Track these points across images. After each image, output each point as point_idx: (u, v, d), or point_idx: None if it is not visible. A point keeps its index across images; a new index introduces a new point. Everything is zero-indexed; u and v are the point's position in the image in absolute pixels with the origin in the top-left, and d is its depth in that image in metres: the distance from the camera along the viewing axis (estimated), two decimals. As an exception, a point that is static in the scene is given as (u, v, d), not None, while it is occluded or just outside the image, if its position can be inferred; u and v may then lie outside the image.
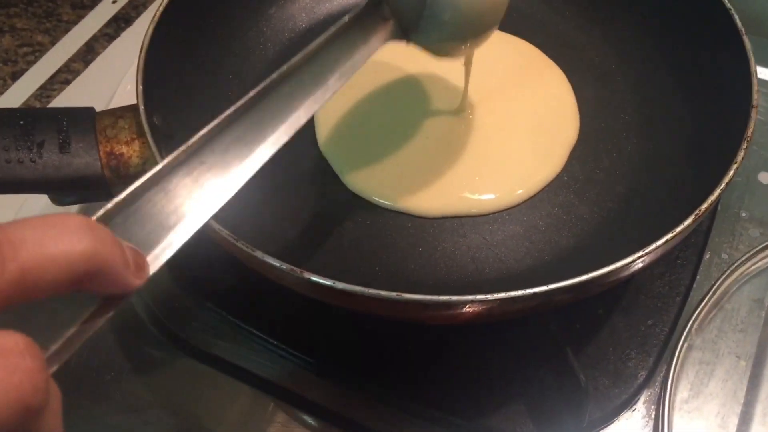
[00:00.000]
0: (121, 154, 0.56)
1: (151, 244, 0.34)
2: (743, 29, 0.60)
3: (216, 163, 0.40)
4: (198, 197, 0.37)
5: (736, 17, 0.61)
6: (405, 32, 0.49)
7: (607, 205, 0.59)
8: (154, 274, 0.33)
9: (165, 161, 0.37)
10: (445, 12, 0.47)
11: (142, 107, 0.56)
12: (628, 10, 0.67)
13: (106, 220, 0.33)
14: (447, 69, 0.65)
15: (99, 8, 1.13)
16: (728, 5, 0.61)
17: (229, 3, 0.70)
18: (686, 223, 0.50)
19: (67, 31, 1.14)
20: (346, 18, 0.47)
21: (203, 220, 0.37)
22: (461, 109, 0.63)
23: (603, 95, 0.65)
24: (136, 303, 0.59)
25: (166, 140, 0.59)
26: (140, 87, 0.57)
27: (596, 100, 0.65)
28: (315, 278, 0.48)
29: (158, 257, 0.34)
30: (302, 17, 0.71)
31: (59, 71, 1.07)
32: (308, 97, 0.46)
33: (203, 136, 0.42)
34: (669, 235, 0.49)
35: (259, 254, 0.49)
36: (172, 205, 0.36)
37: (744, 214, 0.69)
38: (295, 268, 0.48)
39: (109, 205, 0.34)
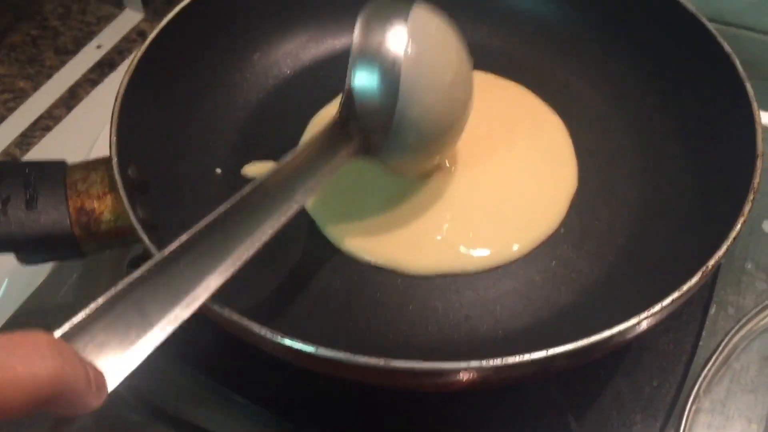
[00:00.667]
0: (92, 210, 0.53)
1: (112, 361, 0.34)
2: (744, 74, 0.57)
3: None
4: (161, 308, 0.38)
5: (737, 62, 0.58)
6: (370, 150, 0.51)
7: (607, 259, 0.56)
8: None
9: (137, 273, 0.38)
10: (410, 131, 0.49)
11: (115, 159, 0.53)
12: (624, 53, 0.64)
13: (74, 333, 0.33)
14: None
15: (83, 53, 1.11)
16: (728, 50, 0.59)
17: (211, 49, 0.67)
18: (693, 281, 0.47)
19: (50, 76, 1.12)
20: (313, 136, 0.49)
21: (167, 332, 0.38)
22: (450, 158, 0.60)
23: (600, 141, 0.62)
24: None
25: (141, 193, 0.56)
26: (114, 138, 0.55)
27: (593, 146, 0.62)
28: (296, 344, 0.44)
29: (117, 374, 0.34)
30: (287, 63, 0.69)
31: (41, 118, 1.05)
32: (273, 216, 0.47)
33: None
34: (675, 294, 0.46)
35: (235, 317, 0.46)
36: (138, 317, 0.36)
37: (749, 266, 0.65)
38: (274, 333, 0.45)
39: (75, 320, 0.34)
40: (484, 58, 0.63)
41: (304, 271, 0.58)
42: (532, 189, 0.59)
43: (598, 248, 0.56)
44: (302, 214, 0.61)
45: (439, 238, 0.57)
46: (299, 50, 0.70)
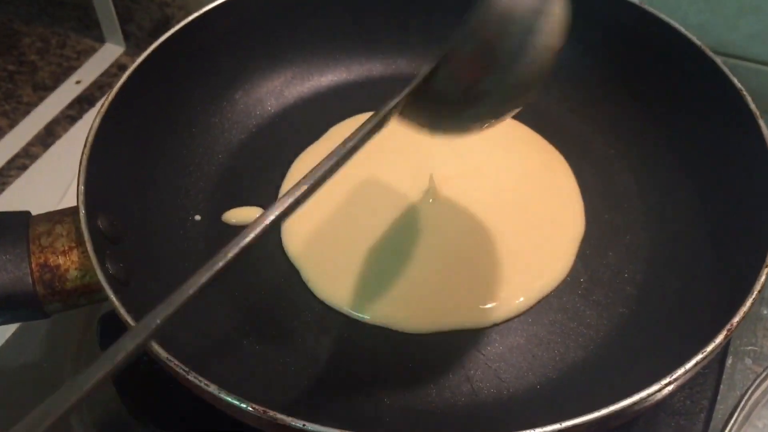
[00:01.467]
0: (57, 266, 0.48)
1: None
2: (757, 111, 0.54)
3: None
4: None
5: (748, 97, 0.55)
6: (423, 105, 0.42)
7: (617, 310, 0.52)
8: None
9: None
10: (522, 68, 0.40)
11: (82, 211, 0.49)
12: (629, 92, 0.61)
13: None
14: (424, 156, 0.60)
15: (61, 89, 1.07)
16: (739, 85, 0.55)
17: (191, 87, 0.64)
18: (717, 341, 0.43)
19: (27, 113, 1.07)
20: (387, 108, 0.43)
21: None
22: (446, 200, 0.56)
23: (605, 183, 0.59)
24: (76, 424, 0.53)
25: (111, 245, 0.52)
26: (81, 188, 0.50)
27: (598, 188, 0.59)
28: (283, 419, 0.40)
29: None
30: (270, 101, 0.65)
31: (17, 156, 1.00)
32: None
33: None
34: (698, 357, 0.42)
35: (213, 389, 0.41)
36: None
37: (765, 311, 0.61)
38: (257, 408, 0.40)
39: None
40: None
41: (289, 329, 0.54)
42: (538, 235, 0.55)
43: (607, 298, 0.52)
44: (287, 267, 0.56)
45: (436, 291, 0.53)
46: (283, 87, 0.67)
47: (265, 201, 0.60)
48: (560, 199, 0.57)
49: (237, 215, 0.58)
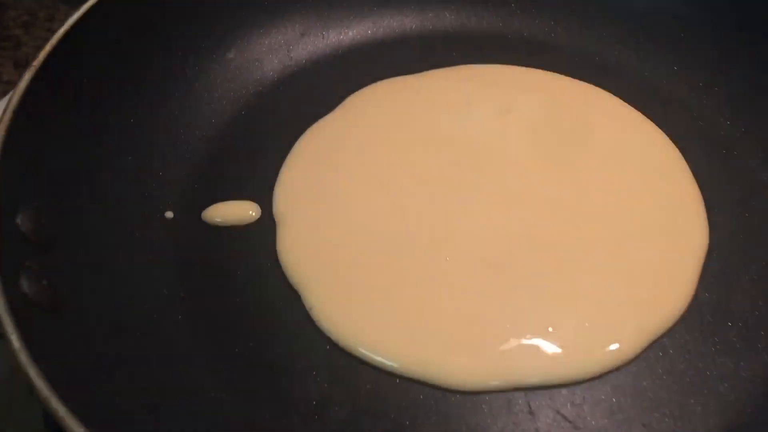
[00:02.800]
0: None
1: None
2: None
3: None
4: None
5: None
6: None
7: (762, 358, 0.35)
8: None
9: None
10: None
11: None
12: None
13: None
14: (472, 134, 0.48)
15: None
16: None
17: (163, 43, 0.50)
18: None
19: (5, 93, 0.93)
20: None
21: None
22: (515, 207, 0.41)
23: (731, 178, 0.46)
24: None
25: (36, 256, 0.37)
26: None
27: (721, 184, 0.46)
28: None
29: None
30: (273, 64, 0.55)
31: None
32: None
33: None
34: None
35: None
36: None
37: None
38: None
39: None
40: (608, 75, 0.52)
41: (289, 374, 0.39)
42: (643, 251, 0.42)
43: (744, 339, 0.40)
44: (286, 292, 0.41)
45: (496, 334, 0.39)
46: (290, 46, 0.54)
47: (261, 193, 0.46)
48: (672, 200, 0.44)
49: (222, 212, 0.45)
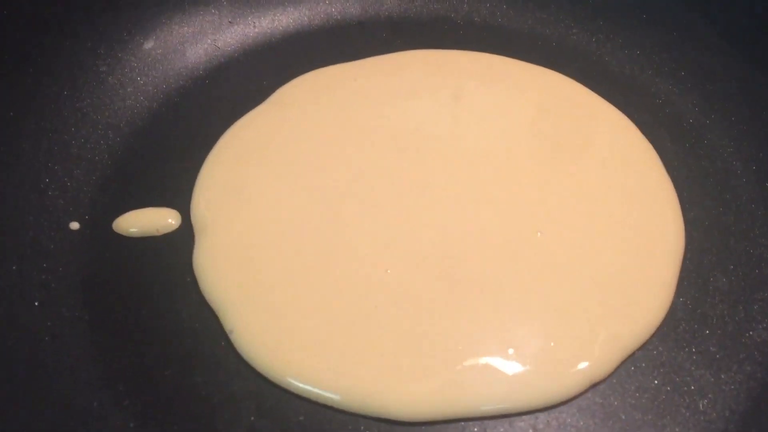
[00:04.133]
0: None
1: None
2: None
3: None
4: None
5: None
6: None
7: (744, 370, 0.32)
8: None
9: None
10: None
11: None
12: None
13: None
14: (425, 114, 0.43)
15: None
16: None
17: (68, 29, 0.44)
18: None
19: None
20: None
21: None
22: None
23: (706, 171, 0.42)
24: None
25: None
26: None
27: (696, 179, 0.42)
28: None
29: None
30: (195, 54, 0.49)
31: None
32: None
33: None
34: None
35: None
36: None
37: None
38: None
39: None
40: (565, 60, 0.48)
41: (210, 408, 0.34)
42: (615, 254, 0.37)
43: (725, 350, 0.35)
44: (200, 310, 0.36)
45: (449, 358, 0.33)
46: (215, 34, 0.49)
47: (181, 199, 0.41)
48: (644, 196, 0.40)
49: (137, 221, 0.40)
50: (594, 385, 0.33)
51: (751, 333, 0.35)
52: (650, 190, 0.39)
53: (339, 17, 0.50)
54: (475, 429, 0.32)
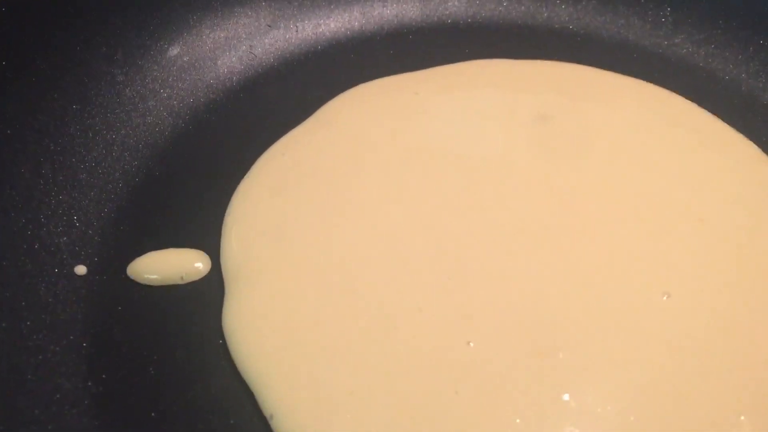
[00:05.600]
0: None
1: None
2: None
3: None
4: None
5: None
6: None
7: None
8: None
9: None
10: None
11: None
12: None
13: None
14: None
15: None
16: None
17: (76, 34, 0.38)
18: None
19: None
20: None
21: None
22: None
23: None
24: None
25: None
26: None
27: None
28: None
29: None
30: (228, 62, 0.42)
31: None
32: None
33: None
34: None
35: None
36: None
37: None
38: None
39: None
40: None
41: None
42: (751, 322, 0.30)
43: None
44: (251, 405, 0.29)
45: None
46: (252, 39, 0.43)
47: (210, 238, 0.34)
48: None
49: (156, 265, 0.33)
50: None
51: None
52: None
53: (395, 21, 0.44)
54: None
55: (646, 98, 0.38)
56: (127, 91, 0.39)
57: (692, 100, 0.39)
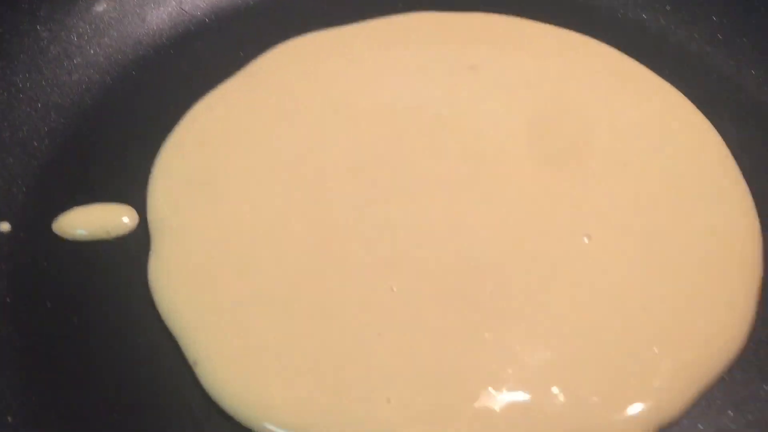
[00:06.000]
0: None
1: None
2: None
3: None
4: None
5: None
6: None
7: None
8: None
9: None
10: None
11: None
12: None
13: None
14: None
15: None
16: None
17: None
18: None
19: None
20: None
21: None
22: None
23: None
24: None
25: None
26: None
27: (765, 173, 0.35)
28: None
29: None
30: (156, 15, 0.40)
31: None
32: None
33: None
34: None
35: None
36: None
37: None
38: None
39: None
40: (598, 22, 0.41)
41: None
42: (686, 274, 0.30)
43: None
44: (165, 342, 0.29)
45: (472, 399, 0.27)
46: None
47: (137, 193, 0.34)
48: (712, 194, 0.33)
49: (83, 220, 0.33)
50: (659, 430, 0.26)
51: None
52: (717, 183, 0.32)
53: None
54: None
55: (573, 47, 0.38)
56: (52, 48, 0.38)
57: (621, 50, 0.39)
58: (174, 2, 0.41)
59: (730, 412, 0.28)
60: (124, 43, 0.40)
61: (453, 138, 0.34)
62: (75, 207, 0.33)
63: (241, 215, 0.31)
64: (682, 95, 0.36)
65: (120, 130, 0.36)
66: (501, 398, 0.26)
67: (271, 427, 0.26)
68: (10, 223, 0.33)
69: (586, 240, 0.30)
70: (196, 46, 0.40)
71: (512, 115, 0.35)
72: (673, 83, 0.37)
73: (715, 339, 0.28)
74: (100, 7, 0.40)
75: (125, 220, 0.33)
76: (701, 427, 0.27)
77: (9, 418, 0.28)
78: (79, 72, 0.38)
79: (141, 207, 0.33)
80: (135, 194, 0.33)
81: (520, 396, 0.26)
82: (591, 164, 0.33)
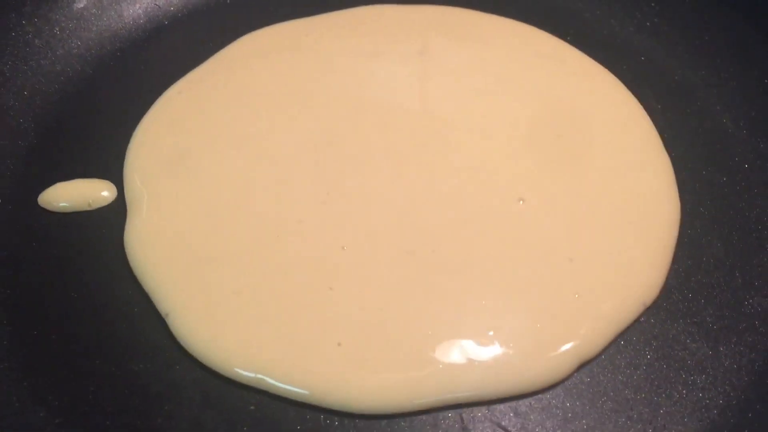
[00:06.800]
0: None
1: None
2: None
3: None
4: None
5: None
6: None
7: (743, 341, 0.29)
8: None
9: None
10: None
11: None
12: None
13: None
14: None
15: None
16: None
17: None
18: None
19: None
20: None
21: None
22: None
23: (697, 135, 0.39)
24: None
25: None
26: None
27: (687, 138, 0.38)
28: None
29: None
30: (132, 6, 0.39)
31: None
32: None
33: None
34: None
35: None
36: None
37: None
38: None
39: None
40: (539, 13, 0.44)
41: (148, 397, 0.30)
42: (609, 231, 0.34)
43: (719, 316, 0.32)
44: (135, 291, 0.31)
45: (418, 343, 0.30)
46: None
47: (116, 168, 0.37)
48: (634, 160, 0.36)
49: (65, 194, 0.36)
50: (582, 365, 0.30)
51: (750, 301, 0.32)
52: (640, 152, 0.36)
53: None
54: (450, 414, 0.28)
55: (516, 35, 0.41)
56: (37, 41, 0.41)
57: (560, 37, 0.42)
58: (149, -2, 0.44)
59: (644, 350, 0.31)
60: (103, 36, 0.42)
61: (402, 115, 0.37)
62: (58, 182, 0.36)
63: (208, 186, 0.34)
64: (614, 76, 0.39)
65: (99, 114, 0.39)
66: (442, 342, 0.29)
67: (234, 369, 0.28)
68: (-1, 197, 0.36)
69: (521, 203, 0.33)
70: (170, 39, 0.42)
71: (456, 94, 0.38)
72: (606, 66, 0.40)
73: (633, 288, 0.31)
74: (80, 4, 0.42)
75: (105, 193, 0.36)
76: (616, 362, 0.30)
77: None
78: (61, 63, 0.41)
79: (119, 182, 0.36)
80: (113, 170, 0.36)
81: (460, 339, 0.29)
82: (528, 136, 0.36)
